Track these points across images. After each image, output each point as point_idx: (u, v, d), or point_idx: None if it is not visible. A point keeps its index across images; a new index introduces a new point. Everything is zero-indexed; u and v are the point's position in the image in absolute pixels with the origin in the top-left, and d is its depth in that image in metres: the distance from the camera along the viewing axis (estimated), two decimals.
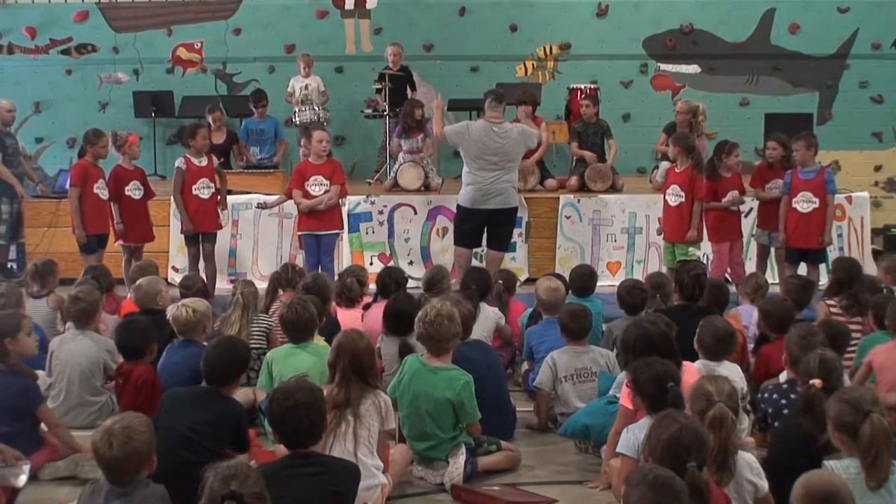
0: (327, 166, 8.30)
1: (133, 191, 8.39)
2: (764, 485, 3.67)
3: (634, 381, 4.12)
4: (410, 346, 5.30)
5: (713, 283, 6.35)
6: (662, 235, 8.36)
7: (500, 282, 6.91)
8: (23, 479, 4.35)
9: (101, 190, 8.30)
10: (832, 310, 5.98)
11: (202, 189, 8.33)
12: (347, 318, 6.27)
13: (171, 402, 4.37)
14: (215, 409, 4.31)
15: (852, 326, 5.84)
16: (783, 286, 6.30)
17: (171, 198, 8.60)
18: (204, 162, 8.39)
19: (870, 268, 9.37)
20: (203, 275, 8.08)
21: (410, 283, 8.11)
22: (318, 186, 8.22)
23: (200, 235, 8.45)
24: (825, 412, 3.59)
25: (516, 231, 8.84)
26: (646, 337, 4.53)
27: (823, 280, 8.05)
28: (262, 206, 9.15)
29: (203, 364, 4.54)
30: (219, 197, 8.52)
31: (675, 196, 8.03)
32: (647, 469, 3.06)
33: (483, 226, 8.24)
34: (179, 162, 8.34)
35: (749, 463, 3.66)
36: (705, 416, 3.59)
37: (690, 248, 8.01)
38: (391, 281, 6.54)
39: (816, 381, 3.91)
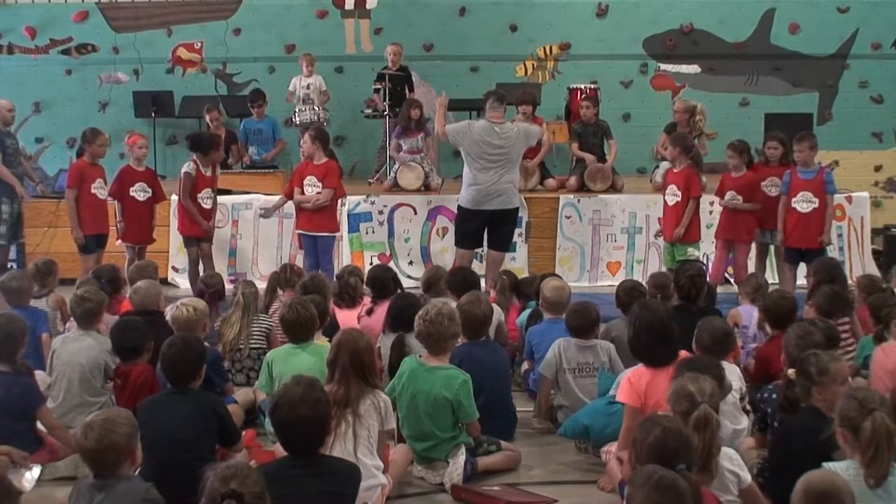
0: (321, 168, 8.29)
1: (137, 192, 8.37)
2: (746, 476, 3.71)
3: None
4: (406, 342, 5.31)
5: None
6: (662, 237, 8.35)
7: (504, 277, 6.89)
8: (31, 481, 4.36)
9: (98, 190, 8.30)
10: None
11: (205, 199, 8.37)
12: (346, 318, 6.28)
13: (148, 411, 4.31)
14: (190, 407, 4.30)
15: (840, 328, 5.82)
16: (816, 299, 6.17)
17: (171, 198, 8.58)
18: (209, 172, 8.44)
19: (870, 268, 9.39)
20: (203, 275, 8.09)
21: (410, 283, 8.14)
22: (309, 187, 8.25)
23: (198, 238, 8.45)
24: (797, 398, 3.92)
25: (516, 231, 8.83)
26: (650, 319, 4.59)
27: None
28: (264, 214, 9.10)
29: (161, 367, 4.52)
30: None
31: (672, 196, 8.03)
32: (651, 470, 3.04)
33: (484, 226, 8.23)
34: (189, 167, 8.30)
35: (730, 455, 3.70)
36: (689, 418, 3.58)
37: (689, 249, 8.01)
38: (389, 279, 6.56)
39: (790, 371, 4.12)
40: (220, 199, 8.93)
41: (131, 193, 8.36)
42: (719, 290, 8.20)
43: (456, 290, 6.17)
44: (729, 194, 8.11)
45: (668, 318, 4.65)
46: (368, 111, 11.25)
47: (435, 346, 4.78)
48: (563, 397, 5.33)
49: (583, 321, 5.41)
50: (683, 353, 4.63)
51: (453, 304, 5.26)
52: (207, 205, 8.39)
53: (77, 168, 8.35)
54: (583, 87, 11.10)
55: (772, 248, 8.41)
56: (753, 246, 8.61)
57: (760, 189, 8.08)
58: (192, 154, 8.45)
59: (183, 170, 8.38)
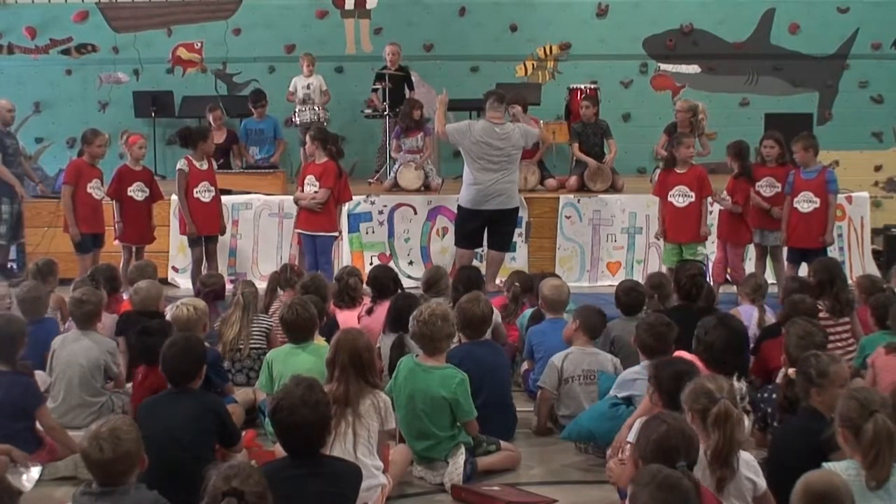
0: (319, 168, 8.30)
1: (135, 192, 8.38)
2: (762, 483, 3.67)
3: (655, 378, 4.15)
4: (406, 342, 5.31)
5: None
6: (664, 237, 8.31)
7: (517, 284, 6.85)
8: (31, 481, 4.35)
9: (94, 190, 8.31)
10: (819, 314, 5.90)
11: (203, 192, 8.35)
12: (346, 318, 6.28)
13: (147, 412, 4.31)
14: (189, 407, 4.30)
15: (839, 328, 5.82)
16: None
17: (171, 198, 8.57)
18: (205, 165, 8.42)
19: (870, 268, 9.39)
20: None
21: (410, 283, 8.13)
22: (308, 186, 8.28)
23: (203, 237, 8.46)
24: (796, 397, 3.98)
25: (516, 231, 8.83)
26: (727, 334, 4.68)
27: None
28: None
29: (161, 367, 4.51)
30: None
31: (682, 197, 8.02)
32: (655, 469, 3.04)
33: (484, 226, 8.24)
34: (182, 164, 8.33)
35: (747, 461, 3.66)
36: (708, 414, 3.57)
37: (699, 248, 8.03)
38: (389, 280, 6.56)
39: (791, 371, 4.15)
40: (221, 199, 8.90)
41: (129, 193, 8.37)
42: (721, 290, 8.25)
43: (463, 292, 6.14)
44: (722, 193, 8.15)
45: (742, 337, 4.82)
46: (368, 111, 11.25)
47: (430, 347, 4.78)
48: (565, 407, 5.30)
49: (596, 324, 5.44)
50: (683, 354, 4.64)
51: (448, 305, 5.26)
52: (206, 198, 8.37)
53: (75, 166, 8.36)
54: (583, 87, 11.11)
55: (770, 248, 8.40)
56: (753, 246, 8.62)
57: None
58: (188, 152, 8.47)
59: (177, 167, 8.40)
